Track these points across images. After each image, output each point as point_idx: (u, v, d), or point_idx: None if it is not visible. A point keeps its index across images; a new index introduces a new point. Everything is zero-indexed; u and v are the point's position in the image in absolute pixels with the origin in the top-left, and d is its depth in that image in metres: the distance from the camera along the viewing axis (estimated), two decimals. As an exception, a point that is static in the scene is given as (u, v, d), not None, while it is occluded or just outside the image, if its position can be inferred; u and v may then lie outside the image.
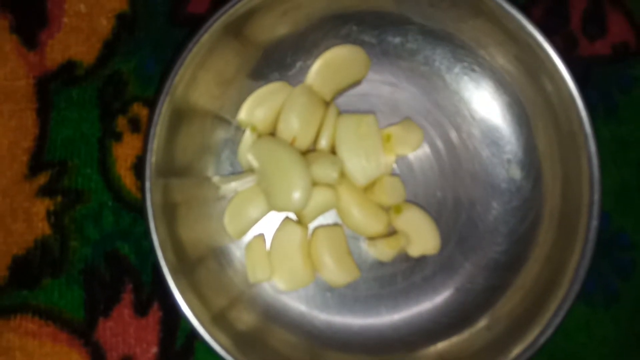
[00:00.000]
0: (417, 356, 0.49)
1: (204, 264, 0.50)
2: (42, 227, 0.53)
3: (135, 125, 0.53)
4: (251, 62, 0.51)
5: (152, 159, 0.46)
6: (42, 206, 0.53)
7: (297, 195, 0.47)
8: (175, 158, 0.49)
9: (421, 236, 0.50)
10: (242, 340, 0.47)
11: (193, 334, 0.46)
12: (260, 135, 0.51)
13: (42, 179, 0.53)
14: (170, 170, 0.48)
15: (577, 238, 0.45)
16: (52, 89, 0.54)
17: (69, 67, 0.54)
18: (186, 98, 0.48)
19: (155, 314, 0.52)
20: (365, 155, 0.50)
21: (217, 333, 0.46)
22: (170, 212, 0.48)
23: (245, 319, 0.50)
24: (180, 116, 0.48)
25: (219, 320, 0.47)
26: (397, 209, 0.51)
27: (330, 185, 0.49)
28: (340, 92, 0.52)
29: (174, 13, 0.54)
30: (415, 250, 0.51)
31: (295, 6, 0.49)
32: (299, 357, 0.49)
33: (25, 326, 0.52)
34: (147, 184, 0.46)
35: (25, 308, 0.52)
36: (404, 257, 0.51)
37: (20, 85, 0.54)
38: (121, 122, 0.53)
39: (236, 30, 0.48)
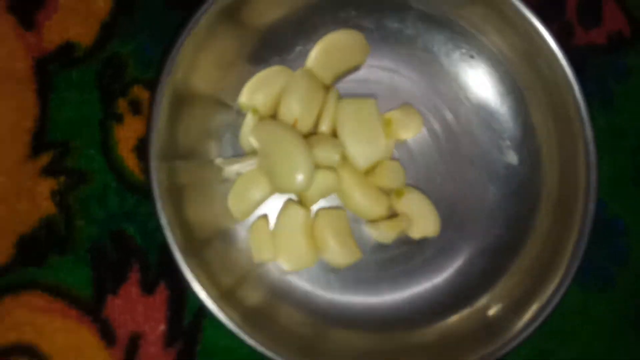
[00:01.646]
0: (418, 334, 0.50)
1: (210, 245, 0.50)
2: (47, 206, 0.53)
3: (136, 108, 0.53)
4: (250, 45, 0.51)
5: (155, 140, 0.46)
6: (46, 186, 0.53)
7: (300, 176, 0.47)
8: (178, 140, 0.49)
9: (422, 219, 0.51)
10: (251, 316, 0.48)
11: (201, 311, 0.47)
12: (261, 119, 0.50)
13: (44, 159, 0.53)
14: (174, 152, 0.48)
15: (575, 220, 0.46)
16: (51, 70, 0.53)
17: (67, 49, 0.54)
18: (187, 80, 0.48)
19: (162, 292, 0.52)
20: (366, 138, 0.50)
21: (227, 309, 0.46)
22: (175, 194, 0.48)
23: (252, 296, 0.50)
24: (182, 98, 0.48)
25: (227, 297, 0.47)
26: (399, 193, 0.51)
27: (332, 168, 0.49)
28: (340, 76, 0.52)
29: (171, -5, 0.54)
30: (415, 233, 0.51)
31: (292, -11, 0.49)
32: (305, 332, 0.50)
33: (35, 302, 0.52)
34: (153, 164, 0.46)
35: (34, 285, 0.52)
36: (404, 240, 0.52)
37: (20, 66, 0.53)
38: (122, 104, 0.53)
39: (233, 12, 0.48)
